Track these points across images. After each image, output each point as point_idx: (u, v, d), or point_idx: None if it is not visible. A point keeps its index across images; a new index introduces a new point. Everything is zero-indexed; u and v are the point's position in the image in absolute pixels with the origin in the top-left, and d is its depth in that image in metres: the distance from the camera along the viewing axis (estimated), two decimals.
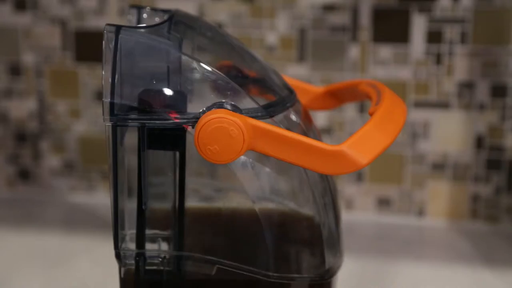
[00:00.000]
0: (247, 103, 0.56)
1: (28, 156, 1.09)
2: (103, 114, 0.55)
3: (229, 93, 0.56)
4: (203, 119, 0.53)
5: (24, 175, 1.10)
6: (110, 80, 0.54)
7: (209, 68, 0.56)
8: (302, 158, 0.53)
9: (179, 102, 0.55)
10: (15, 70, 1.06)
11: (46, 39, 1.04)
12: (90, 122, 1.06)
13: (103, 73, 0.54)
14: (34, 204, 1.06)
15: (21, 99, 1.06)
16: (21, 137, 1.08)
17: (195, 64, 0.56)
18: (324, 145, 0.53)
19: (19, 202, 1.07)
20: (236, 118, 0.53)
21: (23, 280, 0.82)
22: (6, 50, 1.05)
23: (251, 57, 0.66)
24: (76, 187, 1.09)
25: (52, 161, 1.08)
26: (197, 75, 0.56)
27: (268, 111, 0.57)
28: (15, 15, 1.04)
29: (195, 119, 0.54)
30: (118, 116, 0.55)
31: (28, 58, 1.05)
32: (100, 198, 1.07)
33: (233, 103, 0.56)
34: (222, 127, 0.53)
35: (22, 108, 1.07)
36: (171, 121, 0.54)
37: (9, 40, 1.05)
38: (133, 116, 0.55)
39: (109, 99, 0.54)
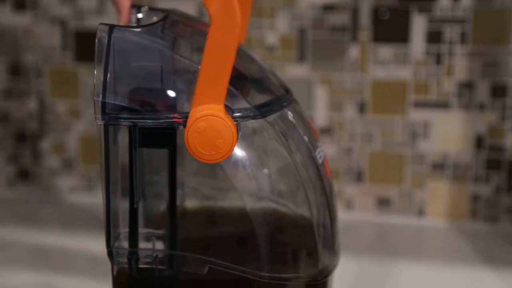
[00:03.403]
0: (240, 103, 0.56)
1: (28, 156, 1.09)
2: (94, 113, 0.55)
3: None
4: (193, 118, 0.53)
5: (24, 175, 1.10)
6: (102, 79, 0.54)
7: None
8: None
9: (172, 101, 0.55)
10: (15, 70, 1.06)
11: (46, 39, 1.04)
12: (90, 122, 1.06)
13: (95, 72, 0.54)
14: (34, 204, 1.06)
15: (21, 99, 1.07)
16: (21, 137, 1.08)
17: (188, 64, 0.56)
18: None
19: (19, 202, 1.07)
20: (226, 117, 0.53)
21: (23, 280, 0.82)
22: (6, 50, 1.05)
23: (248, 57, 0.66)
24: (76, 187, 1.09)
25: (52, 161, 1.08)
26: (190, 75, 0.56)
27: (261, 111, 0.57)
28: (15, 15, 1.04)
29: (186, 119, 0.54)
30: (110, 115, 0.55)
31: (28, 58, 1.05)
32: (100, 198, 1.07)
33: (225, 103, 0.56)
34: (212, 125, 0.53)
35: (22, 108, 1.07)
36: (163, 121, 0.54)
37: (9, 40, 1.05)
38: (125, 115, 0.55)
39: (101, 98, 0.55)
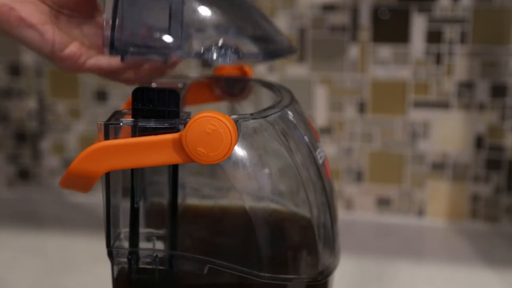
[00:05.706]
0: None
1: (28, 156, 1.09)
2: (103, 46, 0.55)
3: (230, 31, 0.56)
4: (192, 119, 0.53)
5: (24, 175, 1.10)
6: (111, 14, 0.54)
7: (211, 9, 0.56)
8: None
9: (178, 41, 0.55)
10: (15, 70, 1.06)
11: None
12: (90, 122, 1.06)
13: (105, 6, 0.54)
14: (34, 204, 1.06)
15: (21, 99, 1.06)
16: (21, 137, 1.08)
17: (197, 5, 0.56)
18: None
19: (19, 202, 1.07)
20: (225, 118, 0.53)
21: (23, 280, 0.82)
22: (6, 50, 1.05)
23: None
24: None
25: (52, 161, 1.08)
26: (199, 15, 0.56)
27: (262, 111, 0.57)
28: None
29: (187, 120, 0.54)
30: (118, 49, 0.55)
31: (28, 58, 1.05)
32: (100, 198, 1.07)
33: None
34: (210, 127, 0.53)
35: (22, 108, 1.07)
36: (163, 121, 0.54)
37: (9, 40, 1.04)
38: (133, 50, 0.55)
39: (109, 34, 0.55)
